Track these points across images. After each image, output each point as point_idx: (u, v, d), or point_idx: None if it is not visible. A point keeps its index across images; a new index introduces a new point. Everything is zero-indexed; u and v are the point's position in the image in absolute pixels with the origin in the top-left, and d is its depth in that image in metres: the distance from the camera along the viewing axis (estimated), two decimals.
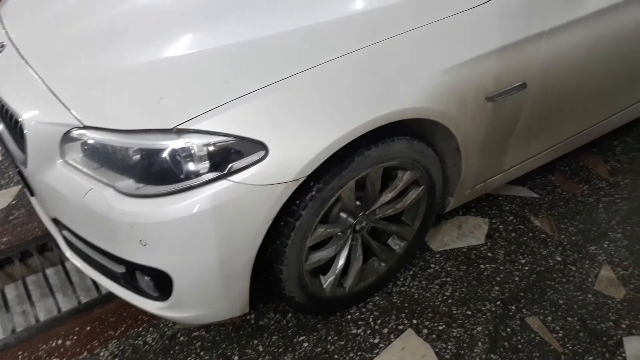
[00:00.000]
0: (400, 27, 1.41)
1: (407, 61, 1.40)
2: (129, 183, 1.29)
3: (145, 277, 1.42)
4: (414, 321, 1.74)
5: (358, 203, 1.58)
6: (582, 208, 2.19)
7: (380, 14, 1.45)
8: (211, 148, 1.25)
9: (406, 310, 1.77)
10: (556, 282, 1.87)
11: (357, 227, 1.63)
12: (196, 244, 1.31)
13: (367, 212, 1.61)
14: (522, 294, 1.83)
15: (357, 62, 1.35)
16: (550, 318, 1.75)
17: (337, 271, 1.64)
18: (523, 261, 1.95)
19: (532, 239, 2.04)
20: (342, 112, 1.31)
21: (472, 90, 1.49)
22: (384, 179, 1.58)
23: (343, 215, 1.56)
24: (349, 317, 1.76)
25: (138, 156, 1.27)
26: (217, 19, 1.52)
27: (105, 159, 1.31)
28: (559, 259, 1.96)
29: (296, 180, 1.29)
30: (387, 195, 1.62)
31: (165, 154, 1.25)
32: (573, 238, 2.04)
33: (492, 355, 1.65)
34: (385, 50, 1.38)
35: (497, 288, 1.85)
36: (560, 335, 1.70)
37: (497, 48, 1.49)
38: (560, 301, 1.81)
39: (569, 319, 1.75)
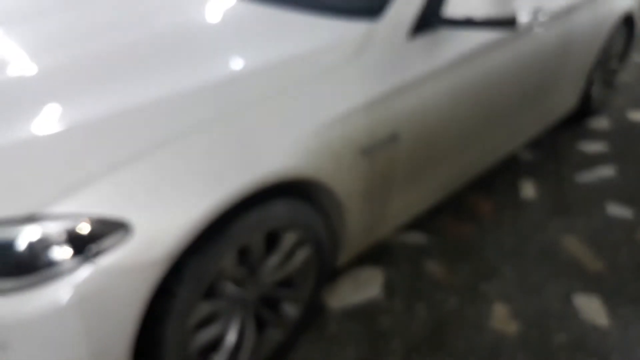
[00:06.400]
0: (264, 91, 1.40)
1: (274, 124, 1.38)
2: None
3: None
4: None
5: (244, 271, 1.50)
6: (471, 247, 2.25)
7: (244, 81, 1.43)
8: (70, 232, 1.13)
9: None
10: (454, 325, 1.88)
11: (246, 297, 1.54)
12: (63, 340, 1.16)
13: (254, 280, 1.54)
14: (422, 342, 1.82)
15: (222, 130, 1.31)
16: None
17: (228, 348, 1.53)
18: (420, 308, 1.95)
19: (427, 283, 2.06)
20: (212, 182, 1.25)
21: (346, 146, 1.50)
22: (270, 242, 1.53)
23: (228, 286, 1.48)
24: None
25: None
26: (76, 93, 1.42)
27: None
28: (454, 301, 1.98)
29: (168, 257, 1.20)
30: (274, 260, 1.56)
31: (20, 244, 1.12)
32: (466, 278, 2.09)
33: None
34: (250, 115, 1.35)
35: (397, 340, 1.82)
36: None
37: (364, 103, 1.52)
38: (460, 344, 1.81)
39: None
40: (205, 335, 1.46)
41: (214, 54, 1.55)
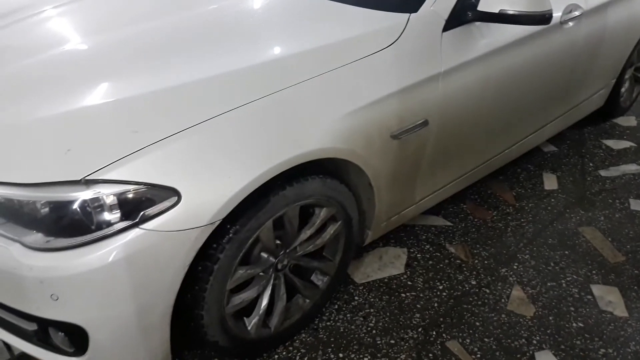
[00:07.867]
0: (305, 74, 1.50)
1: (313, 105, 1.48)
2: (37, 237, 1.26)
3: (59, 333, 1.37)
4: (340, 355, 1.77)
5: (278, 242, 1.61)
6: (492, 233, 2.33)
7: (286, 63, 1.54)
8: (121, 197, 1.25)
9: (332, 345, 1.80)
10: (472, 305, 1.97)
11: (279, 266, 1.65)
12: (110, 296, 1.28)
13: (287, 251, 1.65)
14: (441, 319, 1.91)
15: (265, 108, 1.41)
16: (468, 340, 1.84)
17: (261, 312, 1.65)
18: (441, 287, 2.04)
19: (448, 265, 2.14)
20: (253, 156, 1.36)
21: (377, 130, 1.59)
22: (303, 216, 1.63)
23: (263, 255, 1.59)
24: (276, 357, 1.76)
25: (47, 209, 1.25)
26: (131, 68, 1.54)
27: (12, 214, 1.28)
28: (473, 282, 2.07)
29: (211, 224, 1.31)
30: (306, 232, 1.66)
31: (75, 206, 1.24)
32: (486, 262, 2.17)
33: None
34: (291, 96, 1.46)
35: (418, 315, 1.92)
36: (478, 356, 1.79)
37: (397, 90, 1.60)
38: (477, 323, 1.90)
39: (486, 339, 1.84)
40: (241, 298, 1.58)
41: (264, 37, 1.66)
